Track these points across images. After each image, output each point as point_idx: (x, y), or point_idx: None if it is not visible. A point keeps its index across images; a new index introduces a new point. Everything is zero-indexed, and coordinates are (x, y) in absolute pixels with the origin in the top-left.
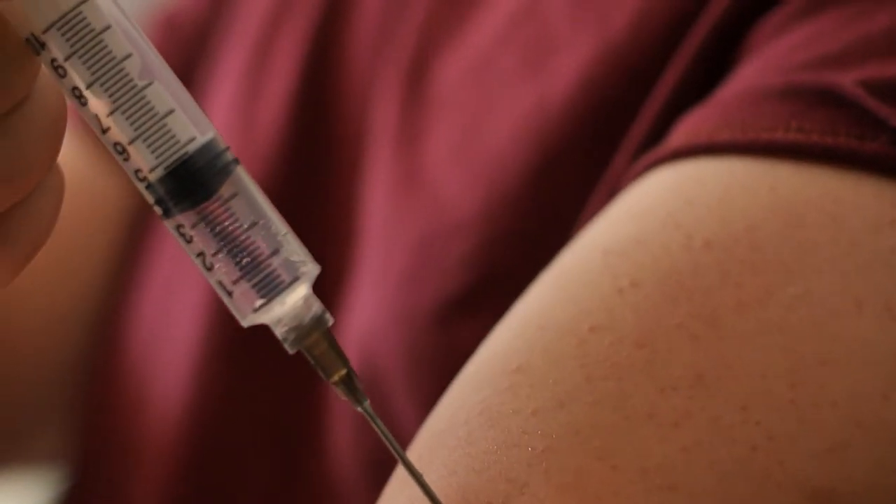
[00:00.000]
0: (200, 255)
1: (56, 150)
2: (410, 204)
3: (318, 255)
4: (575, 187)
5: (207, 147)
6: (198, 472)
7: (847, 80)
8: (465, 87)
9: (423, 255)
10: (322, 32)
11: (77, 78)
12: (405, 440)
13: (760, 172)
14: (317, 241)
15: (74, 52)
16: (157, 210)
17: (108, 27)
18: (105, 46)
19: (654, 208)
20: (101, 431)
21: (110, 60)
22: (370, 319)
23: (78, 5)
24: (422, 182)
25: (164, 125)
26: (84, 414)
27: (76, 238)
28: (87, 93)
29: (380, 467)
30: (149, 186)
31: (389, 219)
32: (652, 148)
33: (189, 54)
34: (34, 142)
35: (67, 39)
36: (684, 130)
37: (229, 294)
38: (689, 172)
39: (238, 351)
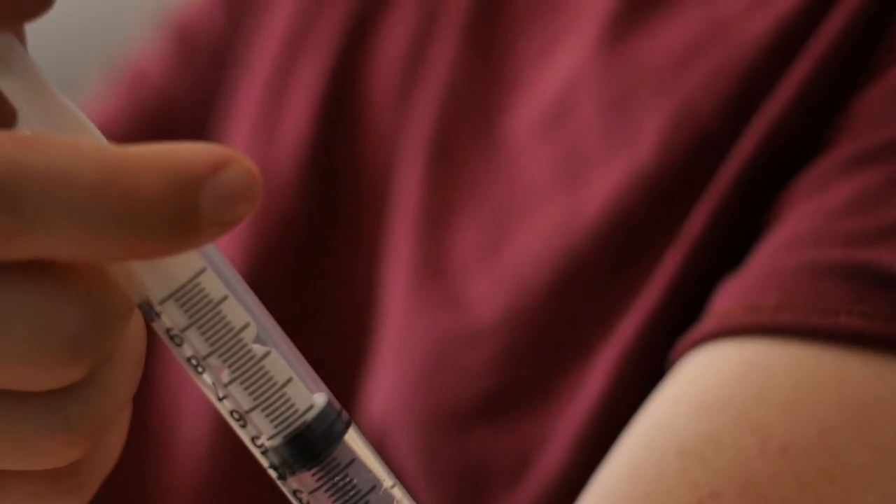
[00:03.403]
0: None
1: (135, 386)
2: (432, 297)
3: (338, 326)
4: (597, 305)
5: (325, 413)
6: None
7: None
8: (493, 184)
9: (444, 355)
10: (340, 71)
11: (194, 348)
12: None
13: (828, 365)
14: (337, 309)
15: (192, 324)
16: (272, 473)
17: (225, 297)
18: (223, 317)
19: (725, 402)
20: (124, 471)
21: (228, 331)
22: (387, 409)
23: (196, 276)
24: (444, 276)
25: (283, 394)
26: None
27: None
28: (204, 362)
29: None
30: (265, 452)
31: (410, 307)
32: (686, 285)
33: (207, 81)
34: (119, 388)
35: (186, 311)
36: (742, 303)
37: None
38: (755, 359)
39: None
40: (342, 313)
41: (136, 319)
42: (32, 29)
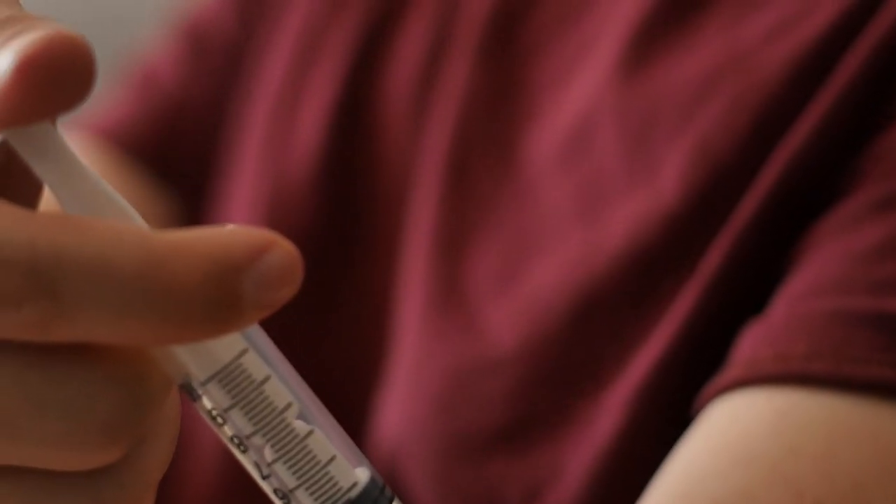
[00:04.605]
0: None
1: (168, 463)
2: (448, 323)
3: (351, 344)
4: (613, 338)
5: (368, 490)
6: None
7: None
8: (511, 210)
9: (459, 383)
10: (354, 80)
11: (237, 428)
12: None
13: (861, 416)
14: (351, 327)
15: (235, 404)
16: None
17: (267, 378)
18: (266, 397)
19: (759, 455)
20: None
21: (272, 411)
22: (400, 434)
23: (238, 357)
24: (460, 302)
25: (327, 473)
26: None
27: None
28: (247, 442)
29: None
30: None
31: (426, 331)
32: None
33: (219, 84)
34: (153, 467)
35: (228, 391)
36: (770, 350)
37: None
38: (787, 409)
39: None
40: (355, 331)
41: (172, 397)
42: None
